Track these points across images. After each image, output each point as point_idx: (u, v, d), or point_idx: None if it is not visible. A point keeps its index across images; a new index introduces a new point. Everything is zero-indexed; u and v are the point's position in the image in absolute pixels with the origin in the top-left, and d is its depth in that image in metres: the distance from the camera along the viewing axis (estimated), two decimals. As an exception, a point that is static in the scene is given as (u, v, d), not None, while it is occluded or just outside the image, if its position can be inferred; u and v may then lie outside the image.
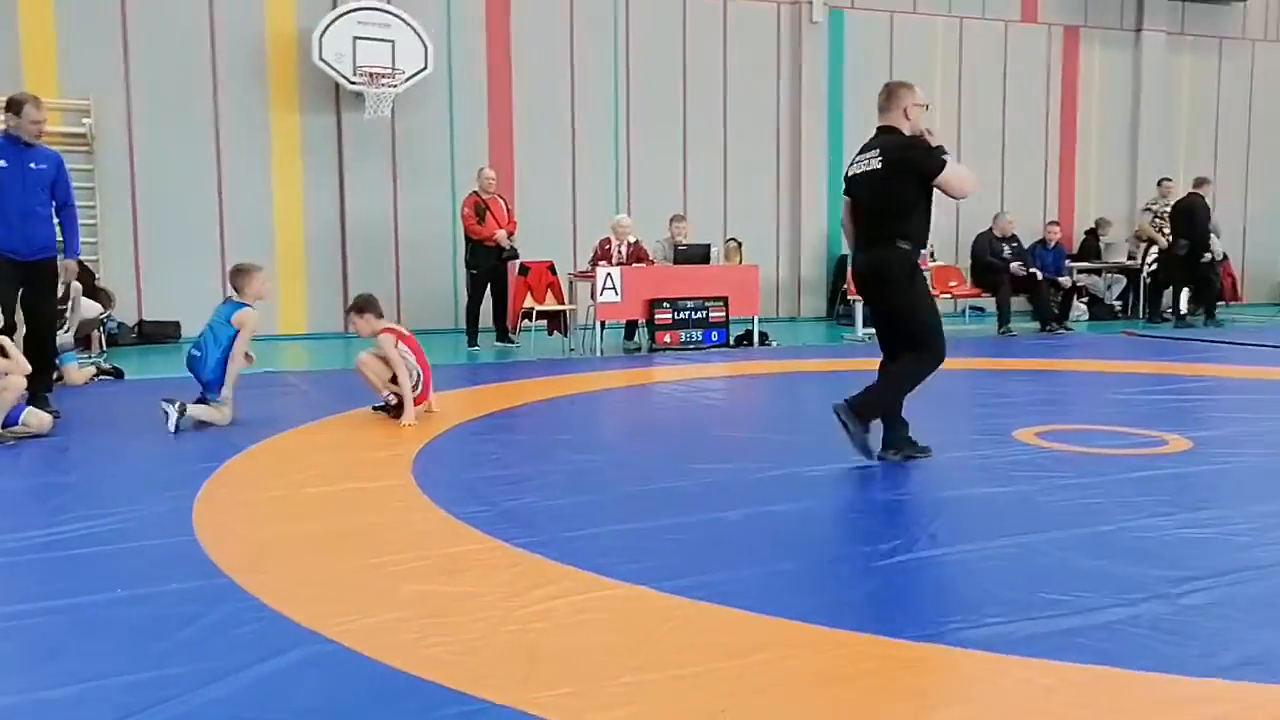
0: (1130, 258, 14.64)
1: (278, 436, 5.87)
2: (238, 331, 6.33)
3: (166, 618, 3.00)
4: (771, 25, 13.92)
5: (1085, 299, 14.42)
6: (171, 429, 5.97)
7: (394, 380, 6.35)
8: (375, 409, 6.57)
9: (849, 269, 6.16)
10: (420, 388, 6.41)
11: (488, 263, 10.60)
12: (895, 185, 4.95)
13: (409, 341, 6.48)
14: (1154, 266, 13.86)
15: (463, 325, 11.09)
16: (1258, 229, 16.73)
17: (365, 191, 12.12)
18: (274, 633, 2.88)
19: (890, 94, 5.11)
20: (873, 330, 12.25)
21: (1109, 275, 14.86)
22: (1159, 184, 14.42)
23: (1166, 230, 13.65)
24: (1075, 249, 15.10)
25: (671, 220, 11.57)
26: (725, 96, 13.72)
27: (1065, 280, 13.09)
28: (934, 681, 2.71)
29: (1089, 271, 14.51)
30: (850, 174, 5.16)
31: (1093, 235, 15.13)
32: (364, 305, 6.60)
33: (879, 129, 5.14)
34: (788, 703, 2.48)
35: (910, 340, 5.05)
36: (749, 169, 13.93)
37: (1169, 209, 13.74)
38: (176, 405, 6.05)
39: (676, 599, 3.16)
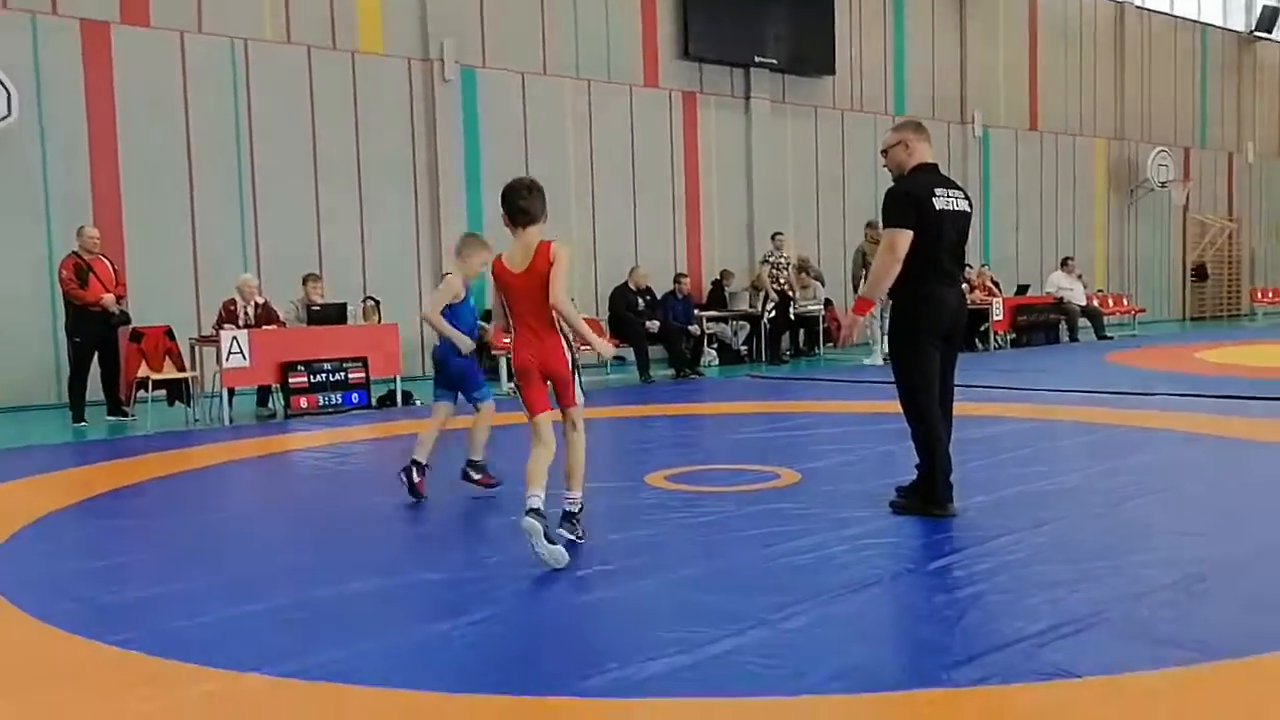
0: (751, 306, 15.83)
1: None
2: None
3: None
4: (403, 81, 13.83)
5: (715, 345, 15.40)
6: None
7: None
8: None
9: (938, 305, 4.79)
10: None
11: (94, 329, 9.63)
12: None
13: None
14: (773, 313, 15.04)
15: (66, 399, 9.97)
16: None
17: (-60, 252, 10.65)
18: None
19: (925, 130, 5.02)
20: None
21: (735, 322, 15.97)
22: (772, 237, 15.72)
23: (782, 280, 14.90)
24: (705, 299, 16.12)
25: (305, 280, 11.10)
26: (359, 151, 13.43)
27: (694, 329, 13.91)
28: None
29: (717, 320, 15.52)
30: (938, 208, 4.76)
31: (719, 286, 16.21)
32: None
33: (932, 165, 4.94)
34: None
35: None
36: (388, 225, 13.68)
37: (783, 260, 15.05)
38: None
39: (287, 682, 2.95)
